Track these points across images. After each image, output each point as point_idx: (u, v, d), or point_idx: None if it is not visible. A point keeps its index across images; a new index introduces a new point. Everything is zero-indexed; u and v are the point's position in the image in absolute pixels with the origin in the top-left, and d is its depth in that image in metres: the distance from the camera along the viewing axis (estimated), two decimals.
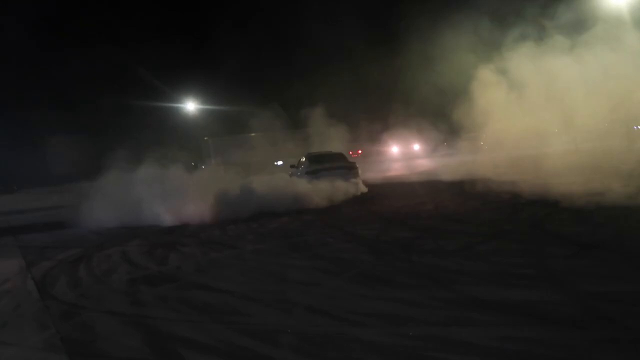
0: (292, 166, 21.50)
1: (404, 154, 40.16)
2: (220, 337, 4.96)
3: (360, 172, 19.18)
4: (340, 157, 20.49)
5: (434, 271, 6.69)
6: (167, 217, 14.38)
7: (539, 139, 19.67)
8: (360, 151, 37.41)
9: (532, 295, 5.27)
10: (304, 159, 20.44)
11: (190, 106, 40.99)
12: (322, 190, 15.71)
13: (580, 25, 16.55)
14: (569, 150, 22.75)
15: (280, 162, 30.95)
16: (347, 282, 6.58)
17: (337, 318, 5.18)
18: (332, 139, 23.51)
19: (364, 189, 18.41)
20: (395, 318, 5.01)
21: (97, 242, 12.27)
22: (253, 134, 28.80)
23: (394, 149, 40.34)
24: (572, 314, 4.65)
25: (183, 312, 6.04)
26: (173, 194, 14.74)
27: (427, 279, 6.37)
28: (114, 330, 5.55)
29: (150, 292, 7.07)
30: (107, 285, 7.73)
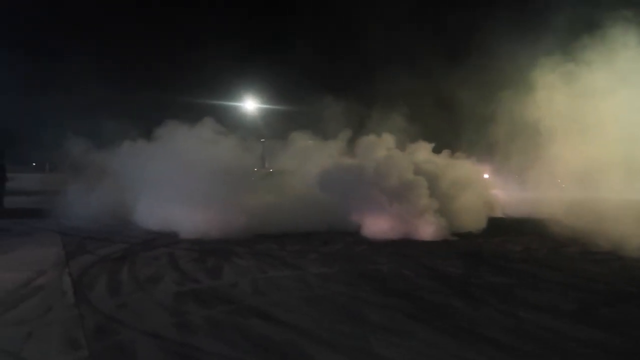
0: None
1: None
2: None
3: None
4: None
5: (554, 337, 5.32)
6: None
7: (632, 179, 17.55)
8: None
9: None
10: None
11: (250, 105, 40.30)
12: None
13: None
14: None
15: None
16: (442, 336, 5.29)
17: None
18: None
19: None
20: None
21: (143, 240, 11.27)
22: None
23: None
24: None
25: (240, 347, 4.89)
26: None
27: (546, 346, 5.03)
28: None
29: (201, 313, 5.93)
30: (151, 297, 6.64)
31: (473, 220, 13.78)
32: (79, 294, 6.61)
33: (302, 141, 16.75)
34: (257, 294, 6.89)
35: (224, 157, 13.25)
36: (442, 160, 15.59)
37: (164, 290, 6.95)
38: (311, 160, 15.36)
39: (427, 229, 12.36)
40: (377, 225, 12.54)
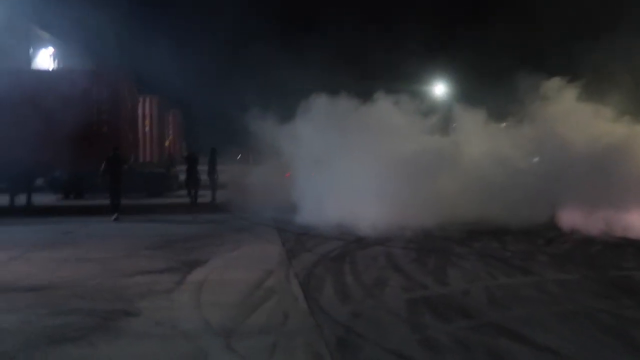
0: None
1: None
2: None
3: None
4: None
5: None
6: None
7: None
8: None
9: None
10: None
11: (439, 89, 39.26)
12: None
13: None
14: None
15: None
16: None
17: None
18: None
19: None
20: None
21: (354, 236, 11.06)
22: None
23: None
24: None
25: None
26: None
27: None
28: None
29: (443, 329, 5.44)
30: (383, 304, 6.33)
31: None
32: (310, 299, 6.52)
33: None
34: (496, 306, 6.24)
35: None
36: None
37: (394, 297, 6.61)
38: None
39: None
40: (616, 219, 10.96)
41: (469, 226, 11.63)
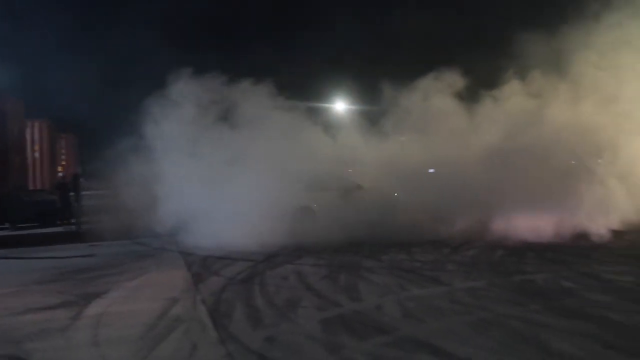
0: None
1: None
2: None
3: None
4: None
5: None
6: None
7: None
8: None
9: None
10: None
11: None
12: None
13: None
14: None
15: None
16: None
17: None
18: None
19: None
20: None
21: (263, 255, 10.77)
22: None
23: None
24: None
25: None
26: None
27: None
28: None
29: (359, 348, 5.26)
30: (297, 326, 6.07)
31: None
32: (219, 327, 6.15)
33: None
34: (410, 319, 6.16)
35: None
36: None
37: (308, 318, 6.37)
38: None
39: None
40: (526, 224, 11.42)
41: (374, 239, 11.69)
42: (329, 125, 15.02)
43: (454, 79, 13.58)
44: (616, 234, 11.22)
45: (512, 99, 13.48)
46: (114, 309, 7.22)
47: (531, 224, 11.33)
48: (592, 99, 12.49)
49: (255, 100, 13.10)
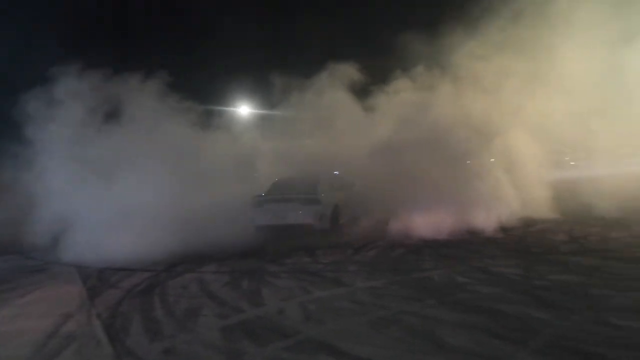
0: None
1: None
2: None
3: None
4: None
5: None
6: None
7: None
8: None
9: None
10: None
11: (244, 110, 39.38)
12: None
13: None
14: None
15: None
16: (545, 358, 4.63)
17: None
18: None
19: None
20: None
21: (164, 264, 10.51)
22: None
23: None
24: None
25: None
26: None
27: None
28: None
29: (260, 353, 5.24)
30: (197, 336, 5.95)
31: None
32: (115, 341, 5.92)
33: None
34: (311, 322, 6.21)
35: None
36: None
37: (208, 326, 6.26)
38: None
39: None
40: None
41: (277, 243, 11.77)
42: (225, 127, 14.96)
43: (346, 75, 14.02)
44: (505, 229, 11.90)
45: (401, 94, 14.06)
46: (2, 329, 6.80)
47: (428, 222, 11.77)
48: (476, 93, 13.23)
49: (143, 99, 12.70)
